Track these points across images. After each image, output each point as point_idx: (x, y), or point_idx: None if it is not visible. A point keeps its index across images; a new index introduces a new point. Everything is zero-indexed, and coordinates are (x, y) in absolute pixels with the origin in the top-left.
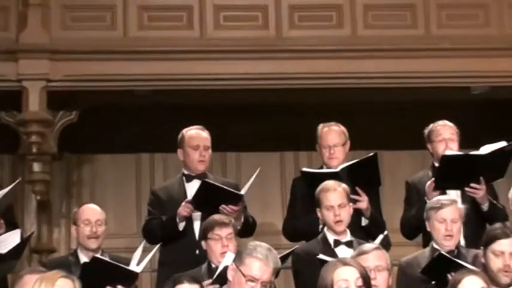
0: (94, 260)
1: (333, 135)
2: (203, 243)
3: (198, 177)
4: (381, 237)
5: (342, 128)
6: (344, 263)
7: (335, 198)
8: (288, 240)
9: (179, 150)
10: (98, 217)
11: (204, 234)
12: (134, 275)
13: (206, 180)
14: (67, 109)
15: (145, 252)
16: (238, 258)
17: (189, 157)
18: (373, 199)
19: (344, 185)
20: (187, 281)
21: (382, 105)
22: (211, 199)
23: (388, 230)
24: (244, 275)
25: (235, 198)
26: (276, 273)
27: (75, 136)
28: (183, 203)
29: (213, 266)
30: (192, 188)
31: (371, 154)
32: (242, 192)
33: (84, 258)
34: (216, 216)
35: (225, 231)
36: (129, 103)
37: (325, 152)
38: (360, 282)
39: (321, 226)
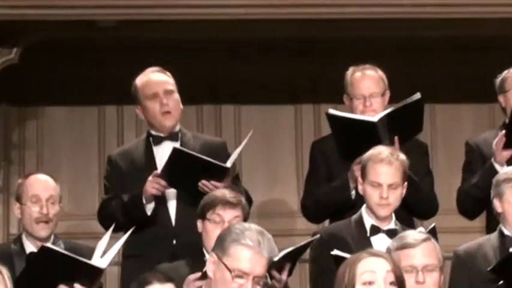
0: (43, 250)
1: (368, 82)
2: (199, 223)
3: (169, 137)
4: (421, 229)
5: (380, 72)
6: (371, 253)
7: (387, 175)
8: (310, 220)
9: (136, 108)
10: (51, 193)
11: (202, 213)
12: (97, 271)
13: (177, 147)
14: (4, 46)
15: (113, 239)
16: (220, 247)
17: (148, 112)
18: (421, 162)
19: (402, 157)
20: (157, 280)
21: (434, 42)
22: (187, 172)
23: (442, 211)
24: (229, 270)
25: (218, 171)
26: (272, 265)
27: (15, 82)
28: (151, 177)
29: (207, 256)
30: (162, 154)
31: (416, 97)
32: (228, 164)
33: (30, 247)
34: (220, 192)
35: (230, 214)
36: (88, 39)
37: (358, 104)
38: (390, 278)
39: (353, 193)
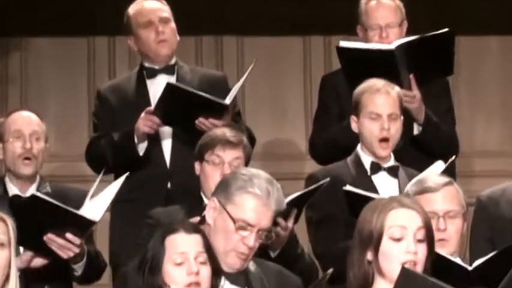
0: (32, 199)
1: (384, 11)
2: (196, 165)
3: (165, 70)
4: (440, 165)
5: (397, 1)
6: (402, 203)
7: (386, 105)
8: (318, 161)
9: (129, 39)
10: (34, 128)
11: (199, 154)
12: (89, 223)
13: (171, 82)
14: None
15: (103, 182)
16: (224, 192)
17: (142, 42)
18: (442, 100)
19: (398, 89)
20: (184, 229)
21: None
22: (183, 109)
23: (462, 154)
24: (233, 219)
25: (217, 108)
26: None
27: None
28: (143, 114)
29: (205, 201)
30: (157, 88)
31: (445, 30)
32: (227, 100)
33: (14, 189)
34: (219, 131)
35: (231, 154)
36: None
37: (373, 36)
38: (421, 235)
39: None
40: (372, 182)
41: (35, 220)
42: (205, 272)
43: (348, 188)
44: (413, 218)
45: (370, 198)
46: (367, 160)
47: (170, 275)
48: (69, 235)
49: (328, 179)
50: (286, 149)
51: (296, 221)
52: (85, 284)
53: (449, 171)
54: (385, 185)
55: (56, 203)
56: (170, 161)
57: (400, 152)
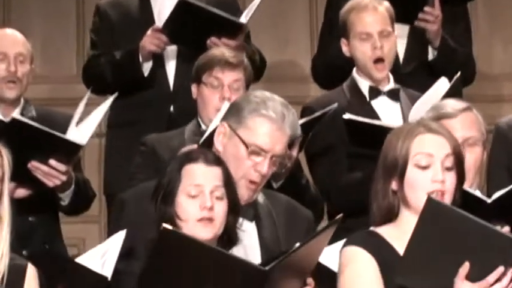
0: (13, 122)
1: None
2: (193, 88)
3: None
4: (444, 82)
5: None
6: (429, 128)
7: (375, 22)
8: (319, 83)
9: None
10: (19, 49)
11: (197, 75)
12: (75, 147)
13: None
14: None
15: (90, 105)
16: (235, 116)
17: None
18: (458, 21)
19: (387, 3)
20: (204, 160)
21: None
22: (194, 27)
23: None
24: (245, 144)
25: (232, 27)
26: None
27: None
28: (150, 31)
29: (203, 126)
30: (162, 4)
31: None
32: (243, 18)
33: None
34: (218, 51)
35: (230, 76)
36: None
37: None
38: (449, 163)
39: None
40: (372, 107)
41: (17, 147)
42: (221, 207)
43: (348, 116)
44: (441, 145)
45: (371, 126)
46: (364, 85)
47: (183, 207)
48: (53, 162)
49: (335, 105)
50: (289, 71)
51: (301, 149)
52: (72, 214)
53: (455, 92)
54: (386, 110)
55: (39, 126)
56: (174, 82)
57: (409, 76)
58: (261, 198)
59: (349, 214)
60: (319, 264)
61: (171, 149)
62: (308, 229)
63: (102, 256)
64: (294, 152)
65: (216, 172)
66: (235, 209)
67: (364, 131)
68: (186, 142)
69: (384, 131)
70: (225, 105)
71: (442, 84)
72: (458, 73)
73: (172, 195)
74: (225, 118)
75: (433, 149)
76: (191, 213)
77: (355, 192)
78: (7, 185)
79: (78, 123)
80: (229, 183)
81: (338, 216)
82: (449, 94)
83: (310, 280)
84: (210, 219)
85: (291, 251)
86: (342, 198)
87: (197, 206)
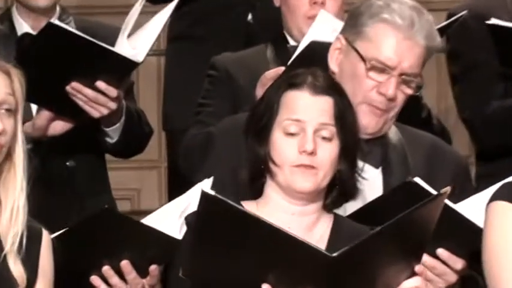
0: (48, 29)
1: None
2: None
3: None
4: None
5: None
6: None
7: None
8: None
9: None
10: None
11: None
12: (129, 65)
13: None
14: None
15: (144, 14)
16: (352, 26)
17: None
18: None
19: None
20: (310, 87)
21: None
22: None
23: None
24: (363, 58)
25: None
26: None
27: None
28: None
29: (291, 42)
30: None
31: None
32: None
33: (24, 26)
34: None
35: None
36: None
37: None
38: None
39: None
40: None
41: (52, 64)
42: (327, 153)
43: (493, 21)
44: None
45: None
46: None
47: (278, 147)
48: (101, 83)
49: (465, 12)
50: None
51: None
52: (123, 156)
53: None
54: None
55: (82, 35)
56: None
57: None
58: (395, 136)
59: (496, 154)
60: (459, 216)
61: (251, 72)
62: (455, 178)
63: (180, 215)
64: None
65: (325, 104)
66: (352, 155)
67: None
68: (269, 63)
69: None
70: (322, 13)
71: None
72: None
73: (267, 132)
74: (343, 30)
75: None
76: (287, 156)
77: (508, 124)
78: (21, 118)
79: (129, 35)
80: (343, 118)
81: (444, 189)
82: None
83: (420, 268)
84: (311, 167)
85: (370, 234)
86: (489, 132)
87: (295, 147)
